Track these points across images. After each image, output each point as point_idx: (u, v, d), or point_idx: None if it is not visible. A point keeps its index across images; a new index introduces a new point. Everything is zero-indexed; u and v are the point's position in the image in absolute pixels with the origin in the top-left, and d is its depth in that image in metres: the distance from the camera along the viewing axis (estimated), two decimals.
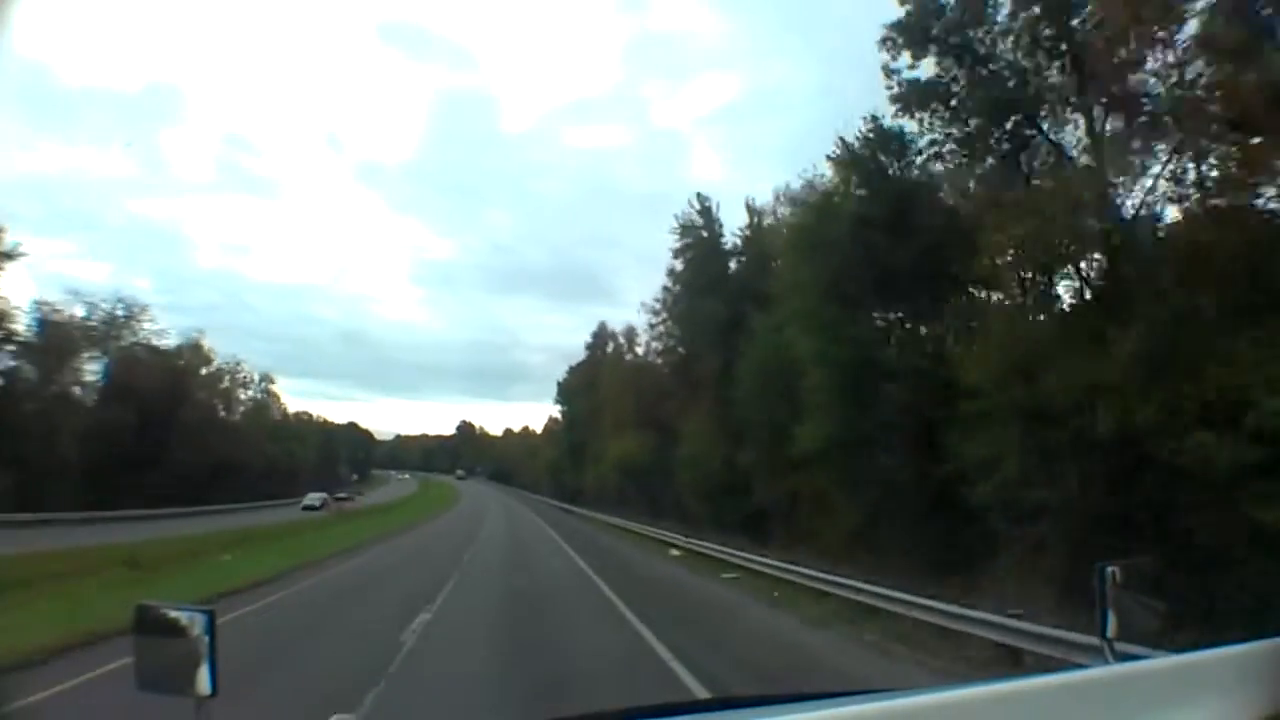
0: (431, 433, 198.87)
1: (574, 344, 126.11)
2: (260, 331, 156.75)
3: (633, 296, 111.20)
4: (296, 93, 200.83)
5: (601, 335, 64.80)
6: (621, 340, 57.98)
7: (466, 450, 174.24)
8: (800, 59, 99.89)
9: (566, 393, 73.91)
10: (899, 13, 16.70)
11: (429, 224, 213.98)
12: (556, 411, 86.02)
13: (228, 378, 69.11)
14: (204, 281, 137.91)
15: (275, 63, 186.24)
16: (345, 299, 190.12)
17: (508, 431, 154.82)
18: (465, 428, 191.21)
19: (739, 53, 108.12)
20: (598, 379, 58.51)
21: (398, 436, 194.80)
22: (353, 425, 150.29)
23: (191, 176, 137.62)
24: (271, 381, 77.79)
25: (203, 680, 1.56)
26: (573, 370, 72.60)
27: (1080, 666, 1.54)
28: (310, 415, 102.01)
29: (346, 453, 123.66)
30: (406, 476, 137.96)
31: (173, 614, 1.63)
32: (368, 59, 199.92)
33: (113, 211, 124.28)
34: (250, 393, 75.10)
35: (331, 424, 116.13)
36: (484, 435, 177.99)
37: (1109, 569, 1.91)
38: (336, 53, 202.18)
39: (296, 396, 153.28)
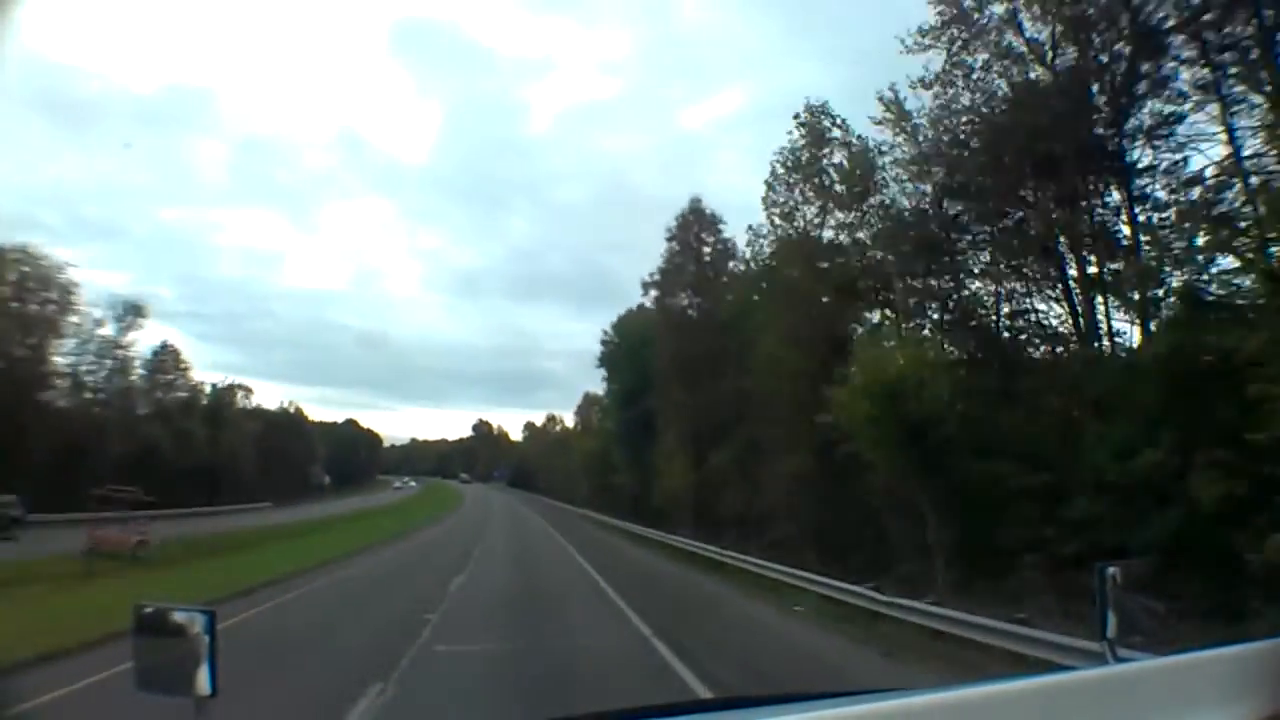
0: (450, 437, 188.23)
1: (595, 350, 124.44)
2: (283, 339, 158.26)
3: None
4: (316, 100, 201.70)
5: (697, 215, 37.93)
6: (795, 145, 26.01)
7: (483, 453, 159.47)
8: (820, 59, 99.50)
9: (620, 348, 48.52)
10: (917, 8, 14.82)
11: (450, 230, 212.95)
12: (597, 388, 61.71)
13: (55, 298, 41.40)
14: (226, 289, 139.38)
15: (295, 70, 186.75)
16: (367, 306, 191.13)
17: (529, 426, 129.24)
18: (482, 428, 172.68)
19: (759, 54, 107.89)
20: (748, 285, 31.61)
21: (413, 440, 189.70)
22: (351, 423, 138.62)
23: (212, 184, 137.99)
24: (141, 314, 48.92)
25: (202, 680, 1.56)
26: (628, 315, 48.45)
27: (1081, 667, 1.55)
28: (246, 390, 74.29)
29: (339, 454, 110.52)
30: (410, 482, 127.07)
31: (173, 614, 1.64)
32: (387, 66, 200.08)
33: (134, 219, 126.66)
34: (106, 334, 46.79)
35: (294, 414, 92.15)
36: (503, 436, 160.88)
37: (1109, 570, 1.92)
38: (355, 60, 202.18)
39: (318, 405, 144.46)
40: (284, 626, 13.08)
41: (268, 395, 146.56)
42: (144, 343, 52.23)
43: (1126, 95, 16.54)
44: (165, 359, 55.70)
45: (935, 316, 21.47)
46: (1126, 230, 17.21)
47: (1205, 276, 13.79)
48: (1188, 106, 15.49)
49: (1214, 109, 14.70)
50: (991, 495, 15.58)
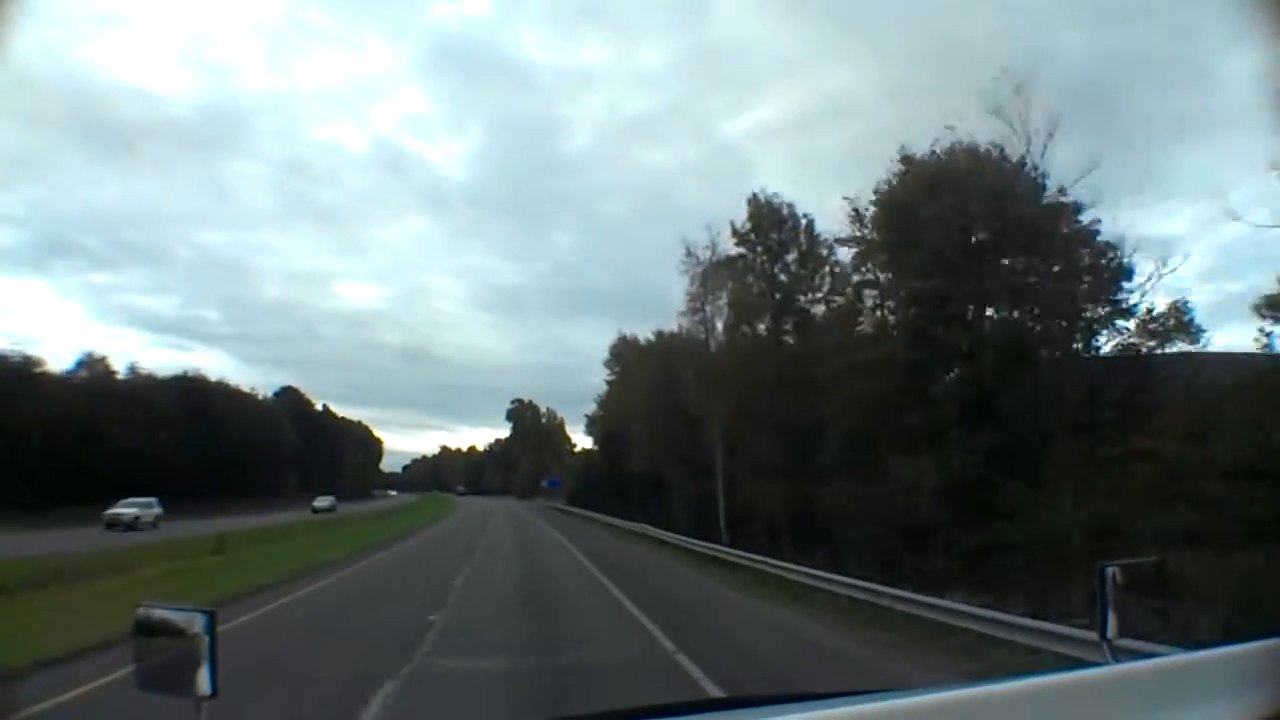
0: (481, 445, 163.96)
1: None
2: (331, 361, 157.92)
3: None
4: (357, 119, 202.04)
5: None
6: None
7: (526, 454, 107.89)
8: (861, 62, 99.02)
9: None
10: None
11: (493, 248, 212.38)
12: None
13: None
14: (273, 312, 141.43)
15: (335, 90, 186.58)
16: (413, 326, 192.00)
17: (621, 345, 60.30)
18: (521, 416, 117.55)
19: (798, 61, 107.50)
20: None
21: (442, 449, 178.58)
22: (290, 390, 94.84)
23: (255, 206, 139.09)
24: None
25: (203, 680, 1.58)
26: None
27: (1081, 666, 1.55)
28: None
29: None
30: (408, 497, 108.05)
31: (172, 614, 1.65)
32: (426, 84, 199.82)
33: (177, 243, 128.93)
34: None
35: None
36: (556, 429, 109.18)
37: (1109, 569, 1.93)
38: (395, 78, 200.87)
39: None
40: None
41: None
42: None
43: None
44: None
45: None
46: None
47: None
48: None
49: None
50: None
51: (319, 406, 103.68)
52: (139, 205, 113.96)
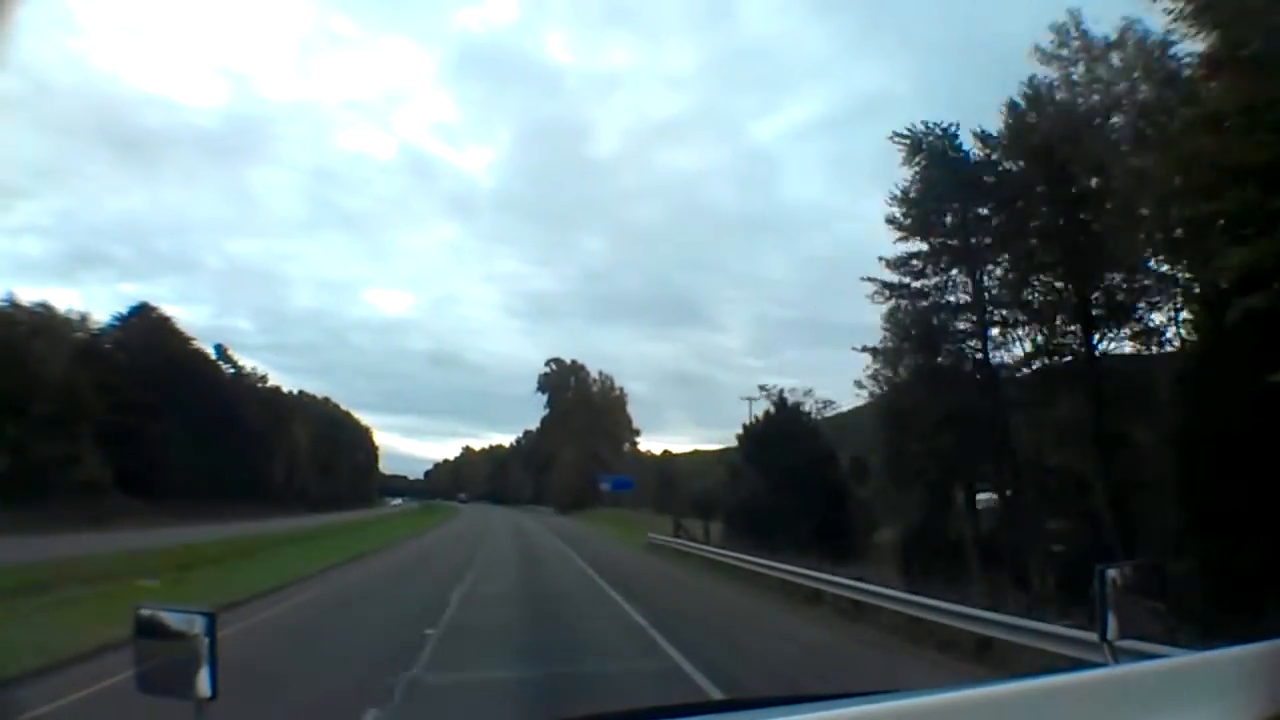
0: (508, 441, 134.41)
1: (675, 369, 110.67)
2: (362, 369, 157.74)
3: (731, 320, 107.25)
4: (384, 126, 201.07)
5: None
6: None
7: (569, 442, 76.94)
8: (894, 59, 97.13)
9: None
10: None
11: (523, 254, 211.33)
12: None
13: None
14: (303, 321, 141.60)
15: (362, 97, 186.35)
16: (444, 333, 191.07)
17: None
18: (558, 384, 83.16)
19: (831, 59, 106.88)
20: None
21: (464, 449, 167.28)
22: (146, 314, 49.06)
23: (283, 214, 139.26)
24: None
25: (203, 682, 1.58)
26: None
27: (1081, 668, 1.55)
28: None
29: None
30: (409, 505, 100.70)
31: (172, 617, 1.65)
32: (453, 90, 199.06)
33: (207, 252, 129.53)
34: None
35: None
36: (615, 405, 79.90)
37: (1109, 572, 1.93)
38: (421, 83, 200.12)
39: (396, 434, 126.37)
40: None
41: None
42: None
43: None
44: None
45: None
46: None
47: None
48: None
49: None
50: None
51: (210, 353, 56.21)
52: (167, 215, 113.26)
